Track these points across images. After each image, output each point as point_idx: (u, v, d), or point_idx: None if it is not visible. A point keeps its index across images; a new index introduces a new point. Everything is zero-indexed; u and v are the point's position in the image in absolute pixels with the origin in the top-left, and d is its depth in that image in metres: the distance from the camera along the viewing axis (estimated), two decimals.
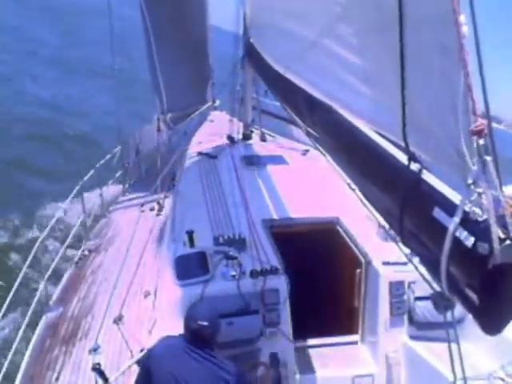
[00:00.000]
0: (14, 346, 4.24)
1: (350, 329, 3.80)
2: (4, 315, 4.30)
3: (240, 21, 5.46)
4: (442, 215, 1.47)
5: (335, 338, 3.75)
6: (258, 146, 6.28)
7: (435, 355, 3.26)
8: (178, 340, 2.60)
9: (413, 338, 3.49)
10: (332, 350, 3.68)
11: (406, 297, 3.47)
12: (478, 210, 1.33)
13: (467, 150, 1.32)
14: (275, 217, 4.20)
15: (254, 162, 5.51)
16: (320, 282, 4.33)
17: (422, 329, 3.47)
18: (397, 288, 3.46)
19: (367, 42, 1.88)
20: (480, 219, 1.32)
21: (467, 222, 1.35)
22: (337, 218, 4.18)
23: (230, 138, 6.27)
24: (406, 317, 3.49)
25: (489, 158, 1.26)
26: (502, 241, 1.24)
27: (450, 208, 1.43)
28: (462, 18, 1.20)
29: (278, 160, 5.67)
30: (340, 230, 4.11)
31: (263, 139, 6.71)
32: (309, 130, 3.11)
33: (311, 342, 3.68)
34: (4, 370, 4.00)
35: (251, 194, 4.54)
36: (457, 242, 1.36)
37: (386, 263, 3.53)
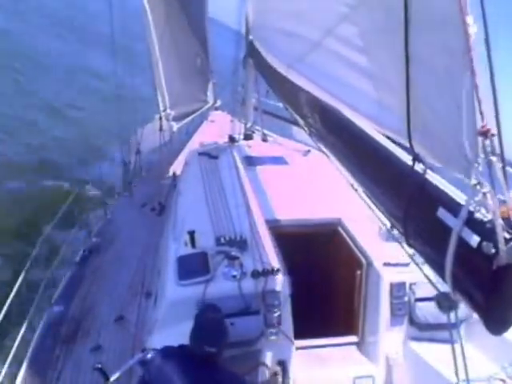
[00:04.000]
0: (14, 346, 4.23)
1: (350, 330, 3.79)
2: (5, 314, 4.30)
3: (242, 20, 5.46)
4: (446, 215, 1.47)
5: (336, 339, 3.74)
6: (259, 147, 6.27)
7: (436, 356, 3.26)
8: (180, 354, 2.49)
9: (413, 339, 3.48)
10: (332, 351, 3.67)
11: (406, 298, 3.46)
12: (483, 210, 1.33)
13: (472, 150, 1.32)
14: (276, 217, 4.19)
15: (255, 162, 5.50)
16: (321, 283, 4.32)
17: (422, 330, 3.46)
18: (398, 289, 3.45)
19: (372, 43, 1.88)
20: (485, 219, 1.32)
21: (472, 222, 1.35)
22: (339, 219, 4.17)
23: (232, 138, 6.26)
24: (406, 318, 3.49)
25: (494, 159, 1.26)
26: (507, 241, 1.24)
27: (454, 208, 1.43)
28: (470, 19, 1.20)
29: (280, 160, 5.67)
30: (342, 231, 4.11)
31: (264, 139, 6.71)
32: (311, 130, 3.11)
33: (312, 342, 3.67)
34: (5, 369, 4.00)
35: (252, 194, 4.54)
36: (462, 242, 1.36)
37: (387, 264, 3.53)
